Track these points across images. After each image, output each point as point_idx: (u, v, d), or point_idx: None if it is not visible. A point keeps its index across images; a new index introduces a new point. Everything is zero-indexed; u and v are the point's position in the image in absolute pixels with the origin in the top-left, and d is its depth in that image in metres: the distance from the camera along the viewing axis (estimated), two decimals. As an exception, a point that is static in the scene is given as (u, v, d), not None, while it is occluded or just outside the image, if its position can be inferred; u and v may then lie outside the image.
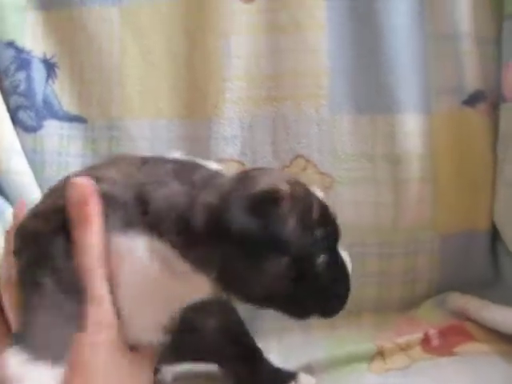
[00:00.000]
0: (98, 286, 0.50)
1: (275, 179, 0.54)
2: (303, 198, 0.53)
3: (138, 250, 0.50)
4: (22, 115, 0.89)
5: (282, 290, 0.53)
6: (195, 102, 0.89)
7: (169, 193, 0.51)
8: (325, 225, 0.54)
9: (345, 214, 0.86)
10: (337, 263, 0.57)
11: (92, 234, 0.50)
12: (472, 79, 0.88)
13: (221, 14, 0.88)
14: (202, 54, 0.89)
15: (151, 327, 0.53)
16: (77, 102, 0.90)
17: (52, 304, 0.48)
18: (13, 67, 0.89)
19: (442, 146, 0.88)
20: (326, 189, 0.87)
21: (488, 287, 0.85)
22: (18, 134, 0.89)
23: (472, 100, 0.88)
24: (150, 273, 0.50)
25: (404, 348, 0.74)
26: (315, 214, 0.53)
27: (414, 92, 0.88)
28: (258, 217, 0.49)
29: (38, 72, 0.90)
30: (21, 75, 0.89)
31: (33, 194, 0.85)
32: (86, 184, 0.51)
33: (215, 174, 0.54)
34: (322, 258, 0.54)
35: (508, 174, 0.84)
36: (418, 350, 0.73)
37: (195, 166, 0.55)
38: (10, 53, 0.89)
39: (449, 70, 0.88)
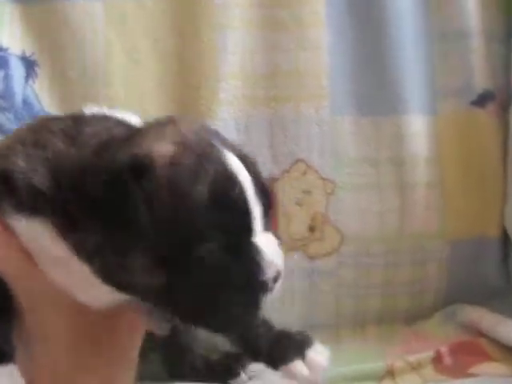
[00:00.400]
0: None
1: (161, 139, 0.43)
2: (188, 168, 0.42)
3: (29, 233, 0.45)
4: (0, 118, 0.82)
5: (154, 286, 0.42)
6: (187, 102, 0.83)
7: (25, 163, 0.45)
8: (218, 207, 0.41)
9: (348, 222, 0.83)
10: (239, 262, 0.43)
11: None
12: (481, 78, 0.84)
13: (215, 6, 0.82)
14: (193, 50, 0.83)
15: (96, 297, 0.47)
16: (59, 102, 0.84)
17: None
18: (-10, 68, 0.83)
19: (449, 149, 0.84)
20: (328, 195, 0.83)
21: (499, 297, 0.82)
22: (-5, 138, 0.83)
23: (481, 100, 0.84)
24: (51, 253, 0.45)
25: (415, 367, 0.71)
26: (201, 191, 0.41)
27: (420, 92, 0.84)
28: (115, 196, 0.40)
29: (17, 71, 0.83)
30: (-2, 75, 0.82)
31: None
32: None
33: (111, 130, 0.46)
34: (204, 248, 0.42)
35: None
36: (430, 370, 0.70)
37: (94, 121, 0.49)
38: None
39: (456, 68, 0.84)
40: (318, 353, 0.55)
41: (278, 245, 0.45)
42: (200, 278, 0.42)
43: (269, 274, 0.43)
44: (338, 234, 0.83)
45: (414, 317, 0.83)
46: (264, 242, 0.44)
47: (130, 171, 0.41)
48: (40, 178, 0.44)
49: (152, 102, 0.83)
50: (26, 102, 0.84)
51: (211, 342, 0.77)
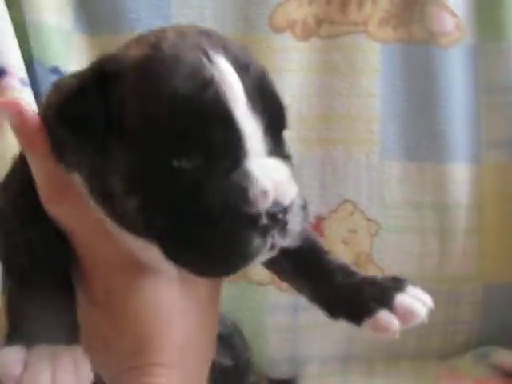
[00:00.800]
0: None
1: (139, 44, 0.41)
2: (155, 70, 0.38)
3: None
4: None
5: (129, 211, 0.39)
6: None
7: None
8: (186, 113, 0.36)
9: (390, 262, 0.87)
10: (218, 188, 0.37)
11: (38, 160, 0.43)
12: (522, 133, 0.88)
13: (276, 50, 0.86)
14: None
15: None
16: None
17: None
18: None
19: (489, 198, 0.88)
20: (372, 235, 0.87)
21: (531, 342, 0.85)
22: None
23: (521, 153, 0.88)
24: None
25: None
26: (168, 94, 0.36)
27: (465, 142, 0.88)
28: (80, 108, 0.38)
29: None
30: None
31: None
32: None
33: None
34: (174, 166, 0.37)
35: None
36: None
37: None
38: (54, 79, 0.85)
39: (500, 122, 0.88)
40: (412, 297, 0.45)
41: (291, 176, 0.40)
42: (173, 204, 0.38)
43: (258, 205, 0.36)
44: (380, 272, 0.87)
45: (447, 354, 0.88)
46: (261, 166, 0.37)
47: (94, 79, 0.39)
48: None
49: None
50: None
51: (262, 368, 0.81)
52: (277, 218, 0.38)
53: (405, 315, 0.44)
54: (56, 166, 0.43)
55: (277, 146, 0.40)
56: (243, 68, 0.39)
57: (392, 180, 0.87)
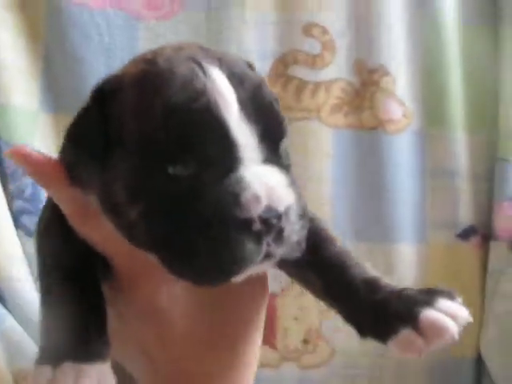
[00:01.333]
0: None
1: (137, 61, 0.43)
2: (150, 83, 0.40)
3: None
4: (26, 220, 0.88)
5: (131, 222, 0.40)
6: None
7: None
8: (178, 123, 0.38)
9: (339, 338, 0.90)
10: (210, 194, 0.38)
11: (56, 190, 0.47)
12: (465, 214, 0.93)
13: None
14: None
15: None
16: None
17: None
18: (20, 171, 0.88)
19: (434, 277, 0.92)
20: (322, 313, 0.91)
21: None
22: (19, 237, 0.88)
23: (465, 234, 0.93)
24: None
25: None
26: (160, 105, 0.38)
27: (412, 223, 0.93)
28: (85, 122, 0.42)
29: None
30: (28, 180, 0.88)
31: (28, 301, 0.84)
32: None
33: None
34: (168, 173, 0.38)
35: (497, 309, 0.89)
36: None
37: None
38: None
39: (444, 204, 0.93)
40: (442, 312, 0.42)
41: (289, 183, 0.39)
42: (169, 211, 0.39)
43: (251, 210, 0.37)
44: (329, 347, 0.90)
45: None
46: (255, 172, 0.38)
47: (95, 99, 0.42)
48: None
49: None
50: (52, 207, 0.90)
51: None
52: (270, 223, 0.37)
53: (431, 333, 0.40)
54: (73, 192, 0.46)
55: (273, 155, 0.40)
56: (238, 79, 0.40)
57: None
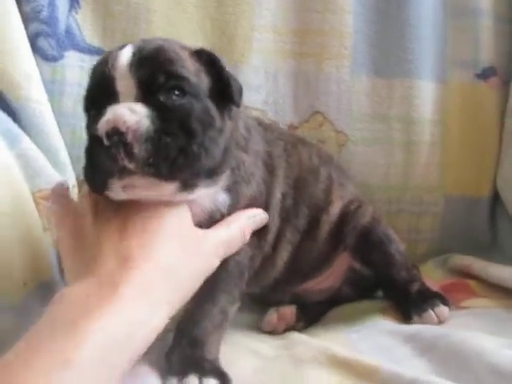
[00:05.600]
0: None
1: None
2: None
3: None
4: (42, 43, 0.86)
5: None
6: (222, 46, 0.89)
7: None
8: (92, 80, 0.57)
9: (357, 172, 0.91)
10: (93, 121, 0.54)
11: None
12: (486, 54, 0.93)
13: None
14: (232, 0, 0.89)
15: None
16: (100, 35, 0.88)
17: None
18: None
19: (453, 114, 0.93)
20: (340, 146, 0.91)
21: (485, 251, 0.90)
22: (36, 62, 0.86)
23: (485, 74, 0.93)
24: None
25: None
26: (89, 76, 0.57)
27: (432, 61, 0.92)
28: None
29: (62, 0, 0.87)
30: (43, 1, 0.85)
31: (49, 124, 0.84)
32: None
33: None
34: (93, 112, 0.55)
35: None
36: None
37: None
38: None
39: (466, 44, 0.93)
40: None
41: (150, 117, 0.51)
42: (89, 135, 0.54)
43: (100, 130, 0.50)
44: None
45: (410, 261, 0.92)
46: (117, 107, 0.51)
47: None
48: None
49: (190, 44, 0.89)
50: (68, 31, 0.88)
51: None
52: (114, 140, 0.50)
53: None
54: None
55: (150, 99, 0.53)
56: (142, 49, 0.55)
57: (361, 94, 0.91)
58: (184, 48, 0.61)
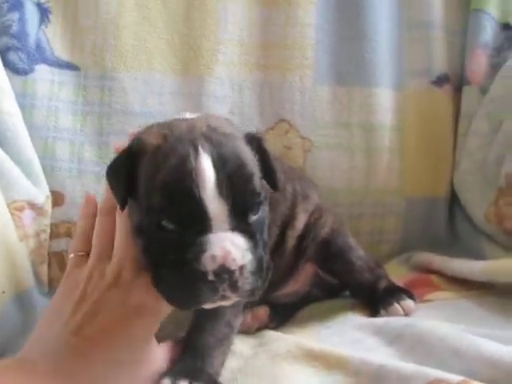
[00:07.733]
0: None
1: (155, 131, 0.55)
2: (158, 158, 0.52)
3: None
4: (13, 57, 0.88)
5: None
6: (189, 59, 0.93)
7: None
8: (168, 195, 0.50)
9: (321, 176, 0.95)
10: (182, 249, 0.50)
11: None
12: (440, 63, 0.99)
13: None
14: (199, 14, 0.93)
15: None
16: (69, 49, 0.91)
17: None
18: (5, 7, 0.87)
19: (410, 120, 0.98)
20: (305, 152, 0.95)
21: (444, 247, 0.95)
22: (7, 76, 0.87)
23: (439, 81, 0.99)
24: None
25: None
26: (159, 179, 0.51)
27: (390, 70, 0.97)
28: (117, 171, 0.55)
29: (31, 15, 0.89)
30: (13, 16, 0.87)
31: (21, 136, 0.85)
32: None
33: None
34: (159, 229, 0.51)
35: (469, 146, 0.95)
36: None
37: None
38: None
39: (421, 54, 0.99)
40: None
41: (249, 247, 0.50)
42: (158, 249, 0.52)
43: (206, 266, 0.48)
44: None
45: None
46: (220, 238, 0.49)
47: (125, 153, 0.54)
48: None
49: (157, 58, 0.92)
50: (38, 45, 0.90)
51: None
52: (223, 277, 0.49)
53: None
54: None
55: (241, 224, 0.51)
56: (223, 160, 0.51)
57: (323, 102, 0.95)
58: (241, 138, 0.56)
